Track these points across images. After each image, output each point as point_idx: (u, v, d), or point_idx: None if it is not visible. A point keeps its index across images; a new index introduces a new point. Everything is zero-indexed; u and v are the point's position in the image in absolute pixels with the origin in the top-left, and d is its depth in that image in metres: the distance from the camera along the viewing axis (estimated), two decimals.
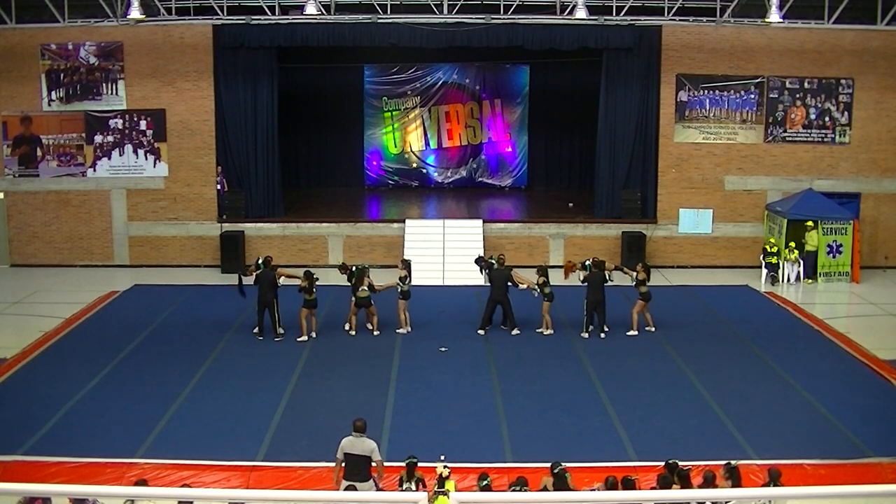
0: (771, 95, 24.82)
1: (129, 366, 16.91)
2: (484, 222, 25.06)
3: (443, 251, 24.10)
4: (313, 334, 18.47)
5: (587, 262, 18.95)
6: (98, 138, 24.68)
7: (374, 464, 11.65)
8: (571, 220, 25.58)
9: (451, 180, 31.04)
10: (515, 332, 18.79)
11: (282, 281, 18.60)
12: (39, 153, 24.77)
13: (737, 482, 11.15)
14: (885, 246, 25.35)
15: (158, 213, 24.99)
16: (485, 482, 11.34)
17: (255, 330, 18.59)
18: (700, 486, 11.31)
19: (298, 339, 18.26)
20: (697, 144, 25.05)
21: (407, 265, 19.54)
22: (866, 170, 25.08)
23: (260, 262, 18.88)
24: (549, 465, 11.55)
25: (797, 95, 24.85)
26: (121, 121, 24.64)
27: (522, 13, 23.66)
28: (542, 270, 19.14)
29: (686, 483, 11.33)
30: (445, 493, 10.56)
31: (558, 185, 30.97)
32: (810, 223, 23.74)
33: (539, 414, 14.86)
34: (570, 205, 27.41)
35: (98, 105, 24.56)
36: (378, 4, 23.29)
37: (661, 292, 21.05)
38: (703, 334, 19.01)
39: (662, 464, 11.74)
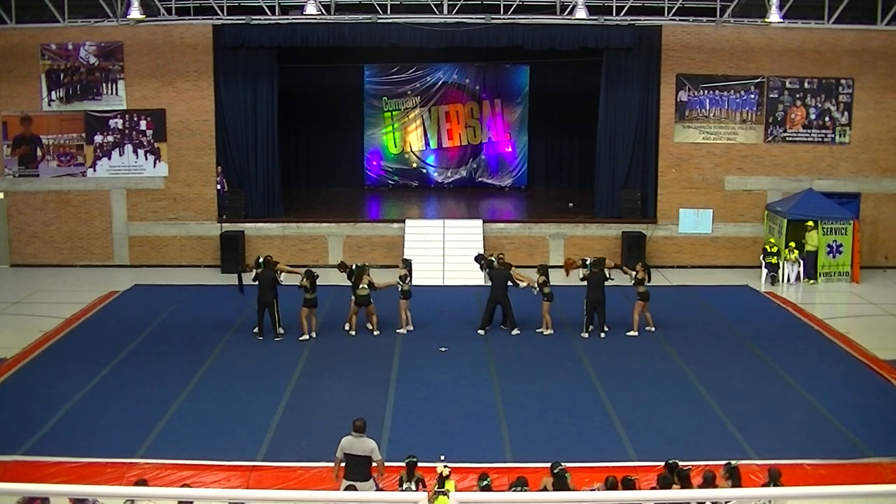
0: (771, 95, 24.81)
1: (129, 366, 16.92)
2: (484, 222, 25.06)
3: (443, 251, 24.10)
4: (313, 334, 18.48)
5: (588, 261, 18.96)
6: (98, 138, 24.68)
7: (374, 463, 11.65)
8: (571, 220, 25.59)
9: (451, 180, 31.02)
10: (515, 332, 18.79)
11: (282, 277, 18.60)
12: (39, 153, 24.77)
13: (737, 482, 11.14)
14: (885, 246, 25.35)
15: (158, 213, 24.99)
16: (485, 482, 11.32)
17: (255, 330, 18.59)
18: (700, 486, 11.30)
19: (300, 339, 18.27)
20: (697, 144, 25.05)
21: (408, 264, 19.55)
22: (866, 170, 25.08)
23: (260, 261, 18.87)
24: (549, 465, 11.54)
25: (797, 95, 24.85)
26: (121, 121, 24.64)
27: (522, 13, 23.66)
28: (543, 270, 19.14)
29: (686, 483, 11.32)
30: (445, 493, 10.55)
31: (558, 185, 30.95)
32: (810, 223, 23.74)
33: (539, 414, 14.86)
34: (570, 205, 27.39)
35: (98, 105, 24.56)
36: (378, 4, 23.29)
37: (661, 292, 21.06)
38: (703, 334, 19.01)
39: (662, 464, 11.73)
